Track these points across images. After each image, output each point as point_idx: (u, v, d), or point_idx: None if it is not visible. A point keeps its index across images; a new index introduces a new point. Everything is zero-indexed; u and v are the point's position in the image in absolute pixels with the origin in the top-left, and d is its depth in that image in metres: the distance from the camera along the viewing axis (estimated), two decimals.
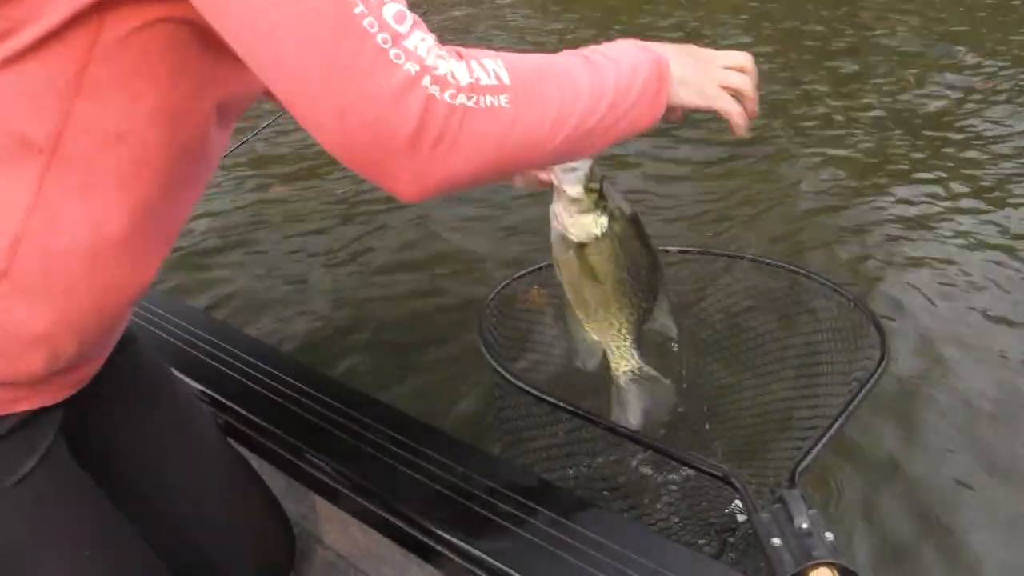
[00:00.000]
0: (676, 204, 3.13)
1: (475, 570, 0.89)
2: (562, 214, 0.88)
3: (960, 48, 4.56)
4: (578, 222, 0.87)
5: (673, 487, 1.50)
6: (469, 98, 0.55)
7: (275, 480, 1.11)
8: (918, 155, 3.43)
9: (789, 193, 3.17)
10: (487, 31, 5.50)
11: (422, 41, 0.54)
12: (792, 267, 1.47)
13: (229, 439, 1.08)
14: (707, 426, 1.52)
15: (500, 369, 1.10)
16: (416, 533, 0.95)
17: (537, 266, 1.45)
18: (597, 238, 0.89)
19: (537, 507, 0.95)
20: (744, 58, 0.81)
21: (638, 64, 0.69)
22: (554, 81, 0.61)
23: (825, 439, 0.96)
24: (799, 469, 0.89)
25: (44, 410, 0.73)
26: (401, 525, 0.96)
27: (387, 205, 3.09)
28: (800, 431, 1.37)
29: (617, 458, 1.49)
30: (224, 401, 1.14)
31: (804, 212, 3.02)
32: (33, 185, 0.60)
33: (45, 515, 0.72)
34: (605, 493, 1.48)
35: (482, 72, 0.56)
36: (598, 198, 0.86)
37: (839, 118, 3.85)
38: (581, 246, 0.89)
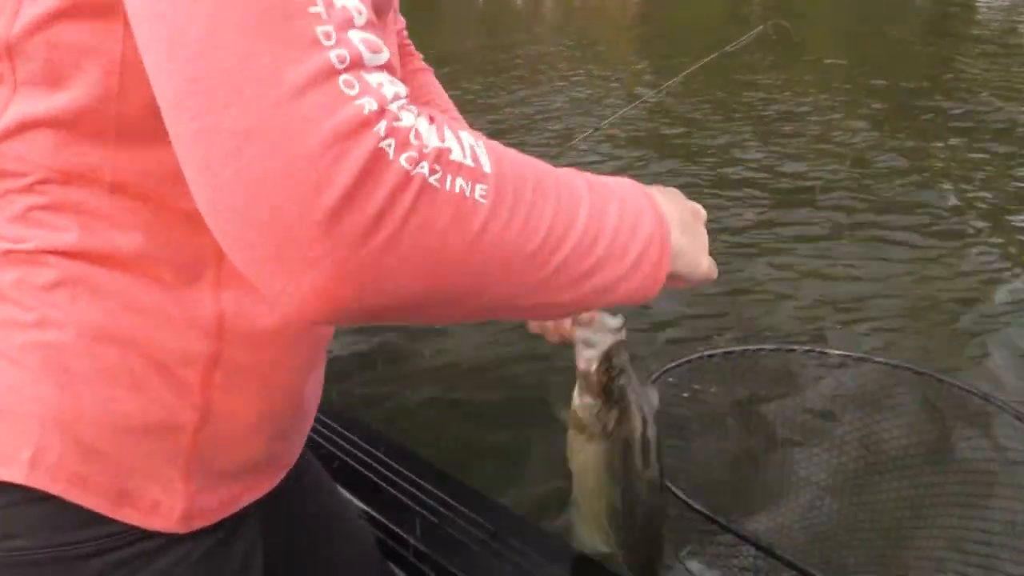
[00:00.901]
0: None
1: None
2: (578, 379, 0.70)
3: None
4: (581, 400, 0.69)
5: None
6: (433, 171, 0.37)
7: None
8: None
9: None
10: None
11: (390, 83, 0.38)
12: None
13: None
14: None
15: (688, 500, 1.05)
16: None
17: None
18: (592, 432, 0.70)
19: None
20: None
21: (642, 213, 0.51)
22: (552, 191, 0.43)
23: None
24: None
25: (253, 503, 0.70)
26: None
27: None
28: None
29: None
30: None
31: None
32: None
33: None
34: None
35: (456, 144, 0.39)
36: (609, 389, 0.67)
37: None
38: (578, 425, 0.71)
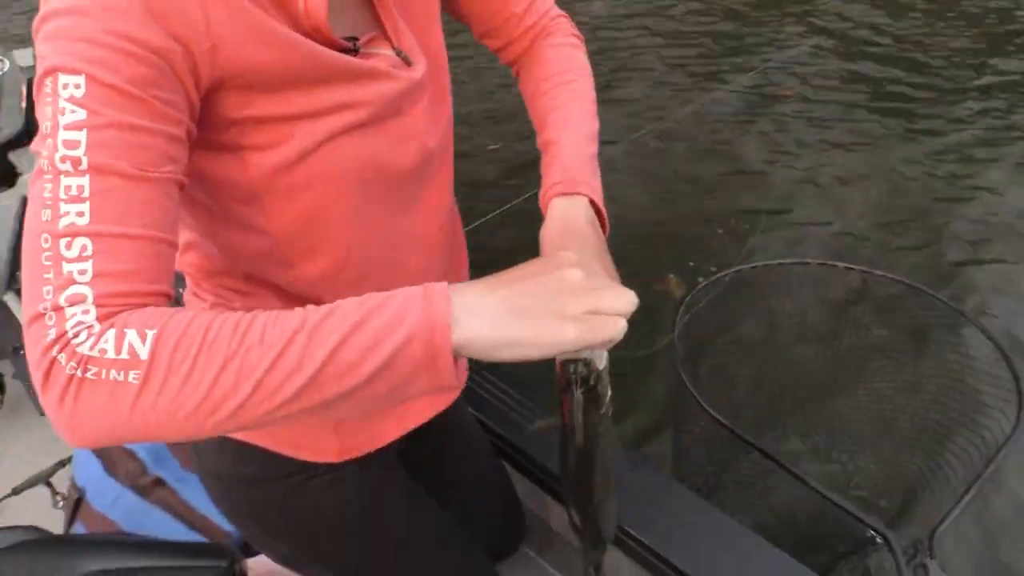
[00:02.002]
0: None
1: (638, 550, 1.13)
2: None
3: None
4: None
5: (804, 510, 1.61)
6: (86, 369, 0.52)
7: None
8: None
9: None
10: None
11: (82, 313, 0.53)
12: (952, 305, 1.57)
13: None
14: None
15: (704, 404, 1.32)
16: None
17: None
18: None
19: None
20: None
21: (390, 329, 0.55)
22: (217, 361, 0.53)
23: (958, 509, 1.05)
24: (937, 533, 0.99)
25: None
26: None
27: None
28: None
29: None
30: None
31: None
32: None
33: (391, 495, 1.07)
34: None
35: (112, 342, 0.52)
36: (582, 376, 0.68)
37: None
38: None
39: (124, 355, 0.52)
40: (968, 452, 1.43)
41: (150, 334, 0.53)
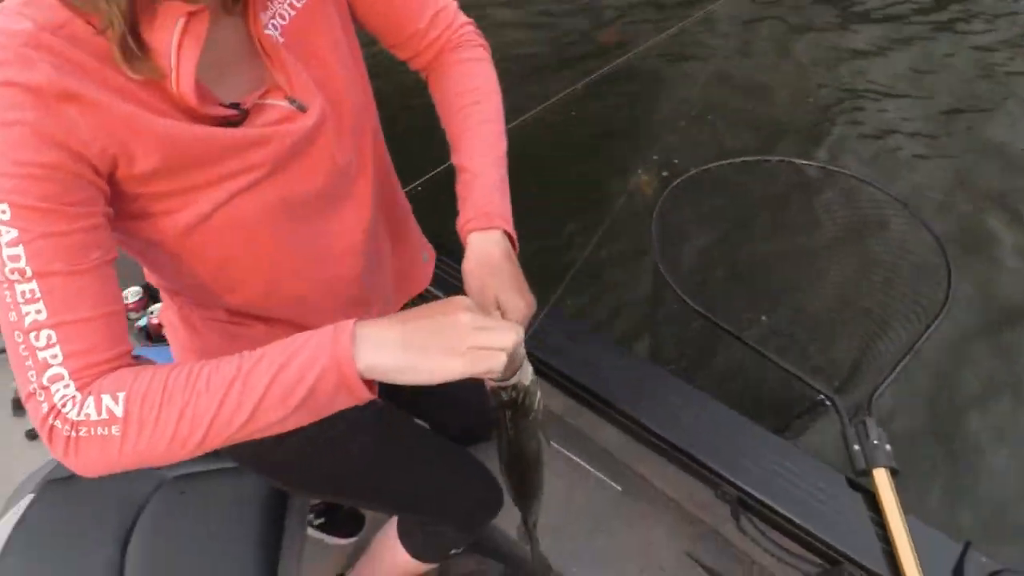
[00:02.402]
0: None
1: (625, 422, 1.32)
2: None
3: None
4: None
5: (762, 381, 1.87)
6: (78, 431, 0.65)
7: None
8: None
9: None
10: None
11: (64, 387, 0.66)
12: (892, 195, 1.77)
13: None
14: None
15: (675, 287, 1.51)
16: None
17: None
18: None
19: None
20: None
21: (307, 367, 0.67)
22: (175, 411, 0.66)
23: (892, 375, 1.25)
24: (876, 396, 1.21)
25: None
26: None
27: None
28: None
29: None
30: None
31: None
32: None
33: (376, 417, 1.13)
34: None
35: (94, 408, 0.65)
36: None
37: None
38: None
39: (104, 416, 0.65)
40: (904, 330, 1.65)
41: (121, 395, 0.66)
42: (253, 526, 1.25)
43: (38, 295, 0.65)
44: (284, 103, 0.79)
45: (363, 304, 1.00)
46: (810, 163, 1.93)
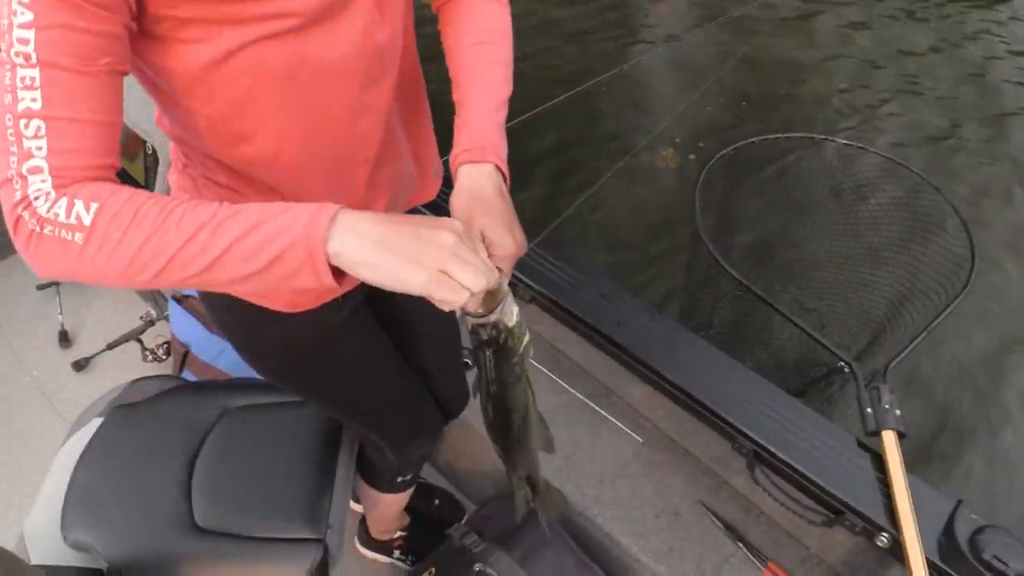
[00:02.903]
0: None
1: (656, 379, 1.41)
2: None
3: None
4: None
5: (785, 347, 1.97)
6: (43, 227, 0.65)
7: None
8: None
9: None
10: None
11: (41, 182, 0.65)
12: (923, 177, 1.84)
13: None
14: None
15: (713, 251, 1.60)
16: None
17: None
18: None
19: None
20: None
21: (279, 233, 0.66)
22: (141, 235, 0.65)
23: (910, 348, 1.36)
24: (891, 366, 1.31)
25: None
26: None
27: None
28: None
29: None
30: None
31: None
32: None
33: (351, 334, 1.19)
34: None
35: (64, 209, 0.65)
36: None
37: None
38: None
39: (72, 220, 0.65)
40: (925, 308, 1.74)
41: (93, 206, 0.65)
42: (310, 454, 1.37)
43: (37, 84, 0.64)
44: None
45: (365, 198, 0.99)
46: (849, 143, 2.01)
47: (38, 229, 0.65)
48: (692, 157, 3.14)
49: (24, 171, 0.65)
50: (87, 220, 0.65)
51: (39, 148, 0.65)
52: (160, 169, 2.10)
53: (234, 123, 0.82)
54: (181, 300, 1.90)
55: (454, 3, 0.99)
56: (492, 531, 1.51)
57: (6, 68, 0.64)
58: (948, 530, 1.19)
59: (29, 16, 0.62)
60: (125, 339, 2.18)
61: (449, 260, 0.67)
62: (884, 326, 1.96)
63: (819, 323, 2.15)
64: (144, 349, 2.18)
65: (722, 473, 1.59)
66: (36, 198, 0.65)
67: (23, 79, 0.63)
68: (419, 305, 1.21)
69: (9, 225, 0.66)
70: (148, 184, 2.26)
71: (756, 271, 2.11)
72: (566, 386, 1.73)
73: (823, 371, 1.90)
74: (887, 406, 1.29)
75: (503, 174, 0.88)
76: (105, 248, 0.65)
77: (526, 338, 0.80)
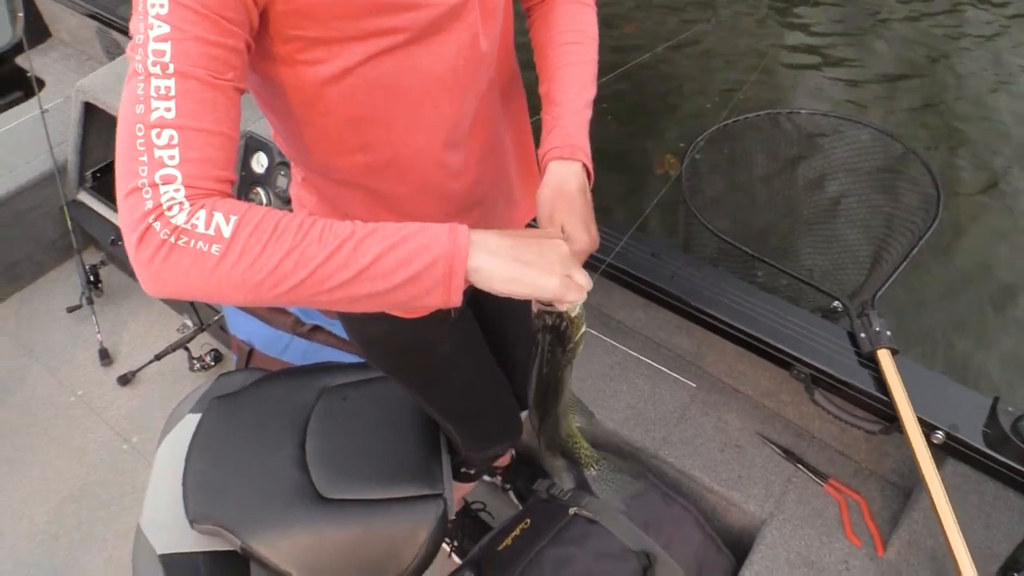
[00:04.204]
0: None
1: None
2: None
3: None
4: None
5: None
6: (178, 238, 0.63)
7: None
8: None
9: None
10: None
11: (173, 191, 0.64)
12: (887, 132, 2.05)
13: None
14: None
15: (704, 223, 1.73)
16: None
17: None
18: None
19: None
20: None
21: (421, 251, 0.69)
22: (283, 248, 0.65)
23: (891, 279, 1.53)
24: (877, 296, 1.51)
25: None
26: None
27: None
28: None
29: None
30: None
31: None
32: None
33: (457, 336, 1.25)
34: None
35: (203, 220, 0.64)
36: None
37: None
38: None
39: (211, 231, 0.64)
40: (901, 246, 1.92)
41: (233, 219, 0.65)
42: (412, 422, 1.47)
43: (172, 93, 0.64)
44: None
45: (463, 205, 1.01)
46: (814, 111, 2.22)
47: (172, 240, 0.64)
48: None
49: (157, 179, 0.64)
50: (227, 232, 0.65)
51: (171, 157, 0.64)
52: None
53: (348, 134, 0.86)
54: None
55: (546, 3, 1.05)
56: (576, 482, 1.63)
57: (139, 79, 0.65)
58: (992, 422, 1.36)
59: (166, 29, 0.64)
60: (173, 348, 2.22)
61: (571, 266, 0.76)
62: (867, 269, 2.14)
63: (807, 272, 2.34)
64: (191, 358, 2.24)
65: (772, 406, 1.74)
66: (169, 208, 0.64)
67: (158, 89, 0.64)
68: (509, 309, 1.36)
69: (133, 235, 0.64)
70: None
71: (748, 232, 2.27)
72: (618, 344, 1.87)
73: (819, 315, 2.09)
74: (878, 329, 1.45)
75: (589, 173, 0.94)
76: (244, 260, 0.65)
77: (583, 329, 0.88)
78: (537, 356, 0.91)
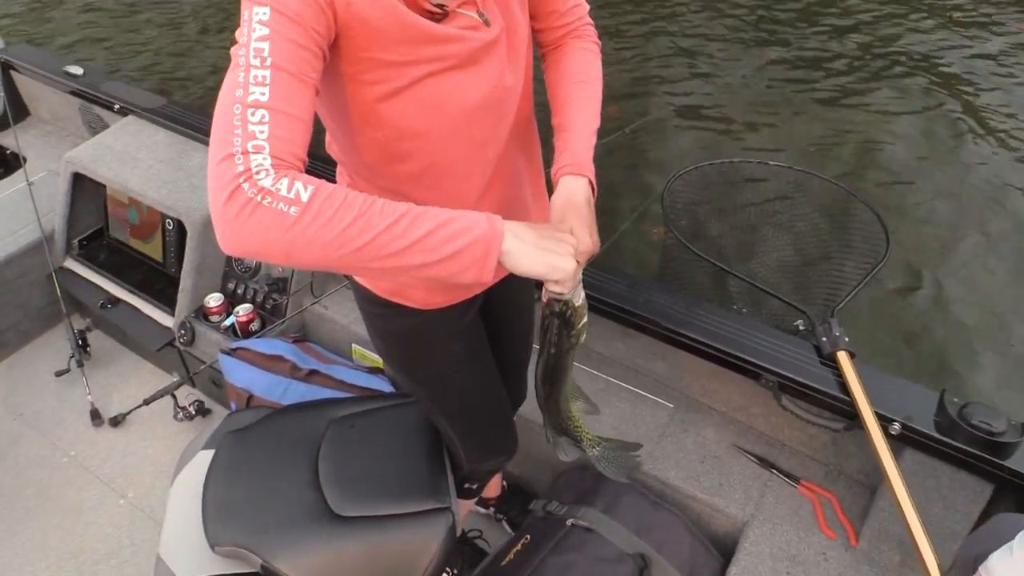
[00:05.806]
0: None
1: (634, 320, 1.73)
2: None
3: None
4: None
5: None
6: (263, 198, 0.73)
7: None
8: None
9: None
10: None
11: (262, 159, 0.75)
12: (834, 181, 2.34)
13: None
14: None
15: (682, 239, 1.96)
16: None
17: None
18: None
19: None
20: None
21: (464, 231, 0.80)
22: (351, 215, 0.76)
23: (850, 296, 1.74)
24: (837, 308, 1.72)
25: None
26: None
27: None
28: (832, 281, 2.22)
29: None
30: None
31: None
32: None
33: (468, 338, 1.38)
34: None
35: (286, 185, 0.74)
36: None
37: None
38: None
39: (292, 195, 0.74)
40: (855, 272, 2.15)
41: (311, 187, 0.75)
42: (418, 442, 1.57)
43: (267, 81, 0.77)
44: (474, 14, 0.97)
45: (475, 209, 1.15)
46: (774, 163, 2.49)
47: (258, 198, 0.74)
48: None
49: (249, 148, 0.75)
50: (304, 197, 0.75)
51: (261, 132, 0.76)
52: (189, 240, 2.27)
53: (396, 146, 1.01)
54: (231, 352, 2.06)
55: (559, 50, 1.22)
56: (570, 496, 1.74)
57: (240, 70, 0.78)
58: (941, 412, 1.52)
59: (266, 31, 0.79)
60: (161, 394, 2.26)
61: (577, 252, 0.93)
62: (829, 291, 2.36)
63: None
64: (177, 406, 2.29)
65: (744, 419, 1.89)
66: (257, 172, 0.74)
67: (255, 77, 0.77)
68: (511, 306, 1.52)
69: (223, 194, 0.74)
70: (175, 258, 2.41)
71: (718, 256, 2.49)
72: (599, 374, 2.01)
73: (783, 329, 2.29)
74: (837, 334, 1.64)
75: (593, 188, 1.09)
76: (318, 220, 0.75)
77: (585, 318, 1.01)
78: (545, 339, 1.03)
